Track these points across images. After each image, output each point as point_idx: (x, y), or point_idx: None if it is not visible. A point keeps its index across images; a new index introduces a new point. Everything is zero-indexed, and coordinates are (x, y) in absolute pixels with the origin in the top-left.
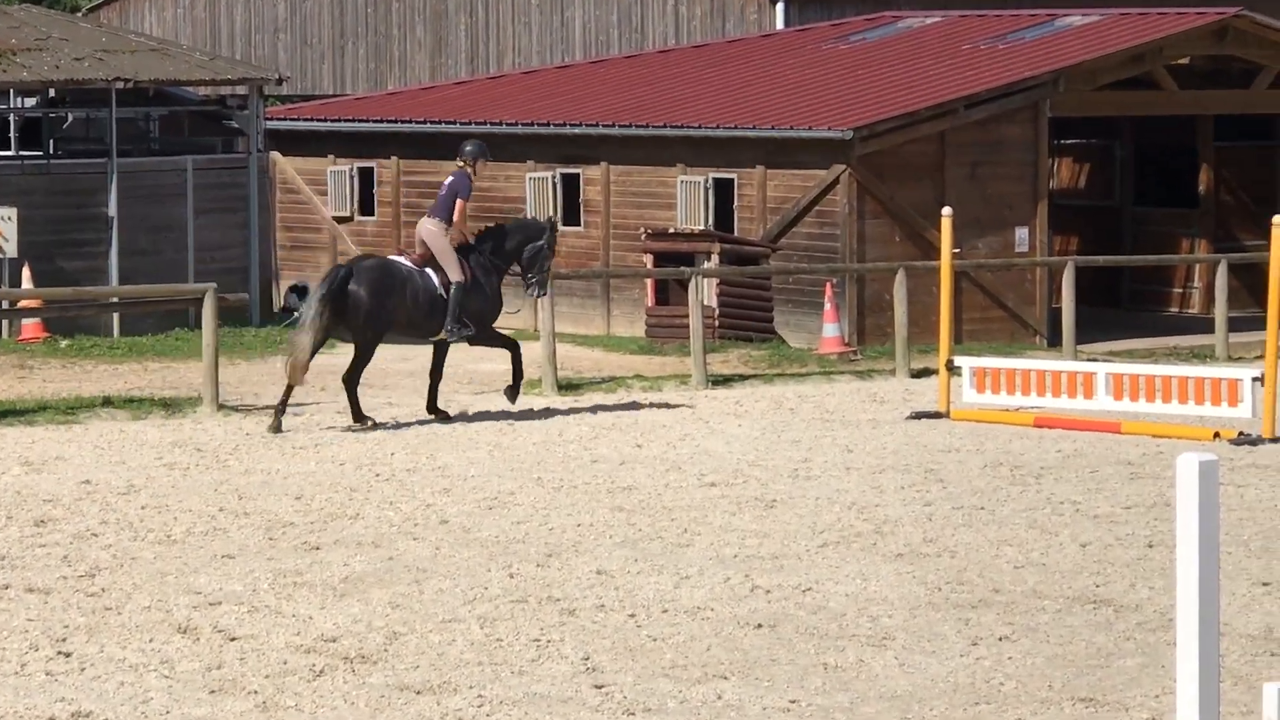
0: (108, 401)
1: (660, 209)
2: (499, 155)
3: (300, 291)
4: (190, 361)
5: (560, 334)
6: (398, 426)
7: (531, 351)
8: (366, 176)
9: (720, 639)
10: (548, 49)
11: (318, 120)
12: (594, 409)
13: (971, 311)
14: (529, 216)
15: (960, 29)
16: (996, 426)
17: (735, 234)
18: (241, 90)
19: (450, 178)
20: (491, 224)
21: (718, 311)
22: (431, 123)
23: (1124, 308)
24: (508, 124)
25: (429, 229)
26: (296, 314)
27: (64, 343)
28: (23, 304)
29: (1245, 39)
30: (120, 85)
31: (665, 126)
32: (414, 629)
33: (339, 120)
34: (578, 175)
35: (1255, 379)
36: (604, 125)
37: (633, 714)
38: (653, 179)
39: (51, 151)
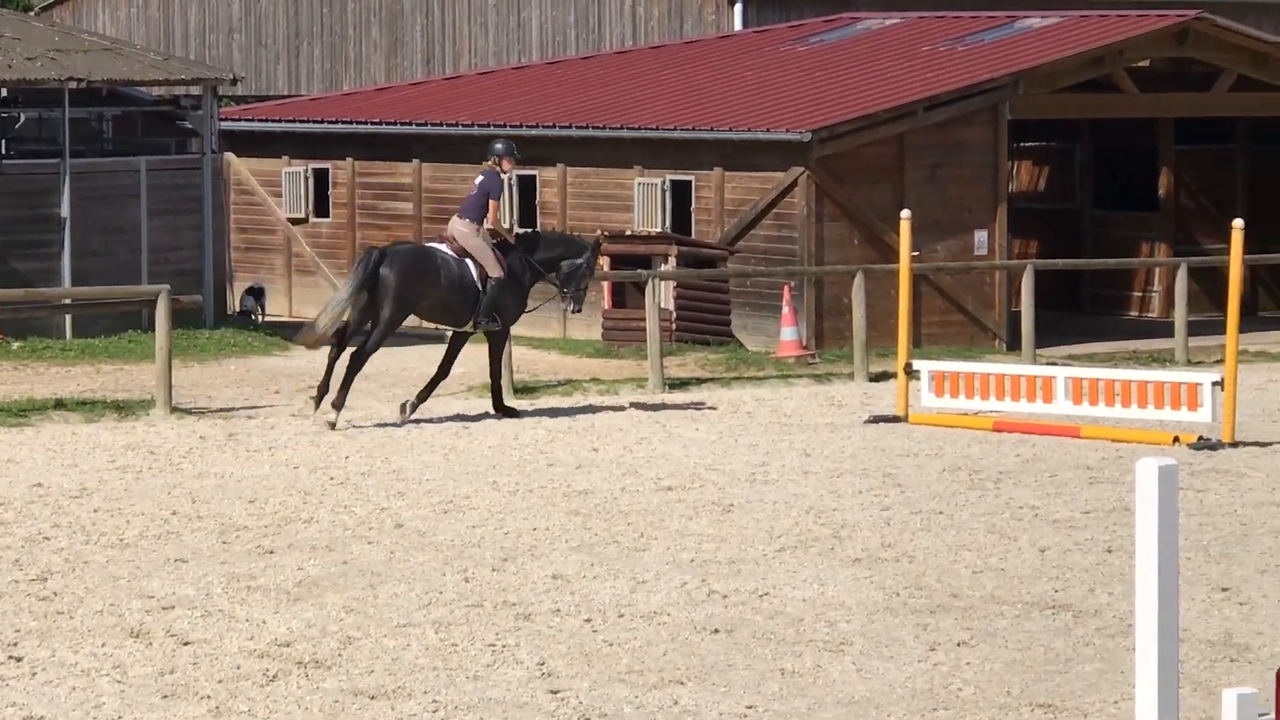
0: (60, 404)
1: (617, 211)
2: (454, 157)
3: (256, 293)
4: (143, 364)
5: (516, 336)
6: (350, 427)
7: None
8: (321, 178)
9: (677, 644)
10: (504, 50)
11: (272, 121)
12: (550, 412)
13: (930, 315)
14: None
15: (919, 31)
16: (955, 431)
17: (693, 236)
18: (196, 91)
19: (480, 178)
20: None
21: (675, 314)
22: (387, 124)
23: (1084, 311)
24: (464, 125)
25: (460, 230)
26: (254, 316)
27: (16, 344)
28: None
29: (1205, 42)
30: (73, 85)
31: (622, 128)
32: (368, 634)
33: (294, 121)
34: (534, 177)
35: (1215, 383)
36: (560, 126)
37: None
38: (609, 181)
39: (3, 152)
